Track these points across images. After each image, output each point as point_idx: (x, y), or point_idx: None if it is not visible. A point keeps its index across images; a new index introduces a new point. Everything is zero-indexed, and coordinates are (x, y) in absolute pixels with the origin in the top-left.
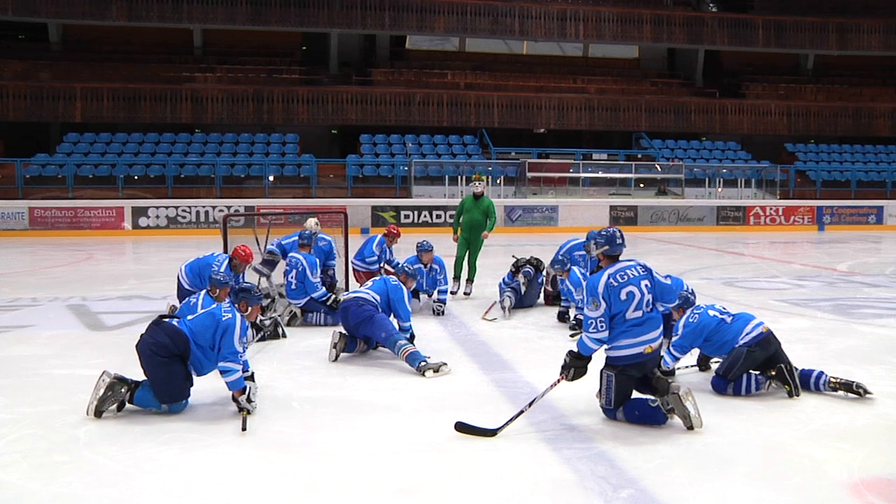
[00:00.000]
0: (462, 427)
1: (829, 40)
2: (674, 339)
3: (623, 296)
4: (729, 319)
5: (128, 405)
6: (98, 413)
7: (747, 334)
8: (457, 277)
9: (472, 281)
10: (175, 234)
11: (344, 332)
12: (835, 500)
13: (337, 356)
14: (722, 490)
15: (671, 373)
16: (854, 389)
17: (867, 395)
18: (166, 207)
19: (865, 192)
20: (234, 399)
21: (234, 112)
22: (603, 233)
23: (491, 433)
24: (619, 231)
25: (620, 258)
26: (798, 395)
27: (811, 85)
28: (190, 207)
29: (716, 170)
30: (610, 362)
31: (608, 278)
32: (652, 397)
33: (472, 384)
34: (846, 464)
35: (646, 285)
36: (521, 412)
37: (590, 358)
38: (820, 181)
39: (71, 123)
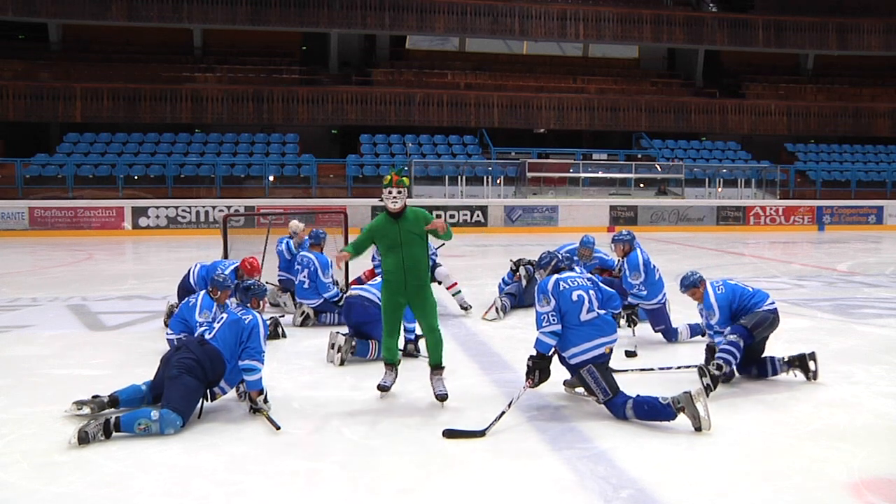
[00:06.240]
0: (451, 433)
1: (829, 40)
2: (712, 319)
3: (574, 297)
4: (751, 289)
5: (115, 433)
6: (82, 439)
7: (769, 304)
8: (391, 364)
9: (442, 368)
10: (175, 234)
11: (346, 333)
12: (835, 500)
13: (343, 361)
14: (722, 490)
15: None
16: (805, 363)
17: (812, 378)
18: (166, 207)
19: (865, 192)
20: (251, 399)
21: (234, 112)
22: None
23: (480, 434)
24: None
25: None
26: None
27: (811, 85)
28: (190, 207)
29: (716, 170)
30: (579, 366)
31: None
32: (663, 395)
33: (472, 384)
34: (846, 464)
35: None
36: (503, 413)
37: (551, 358)
38: (820, 181)
39: (71, 123)
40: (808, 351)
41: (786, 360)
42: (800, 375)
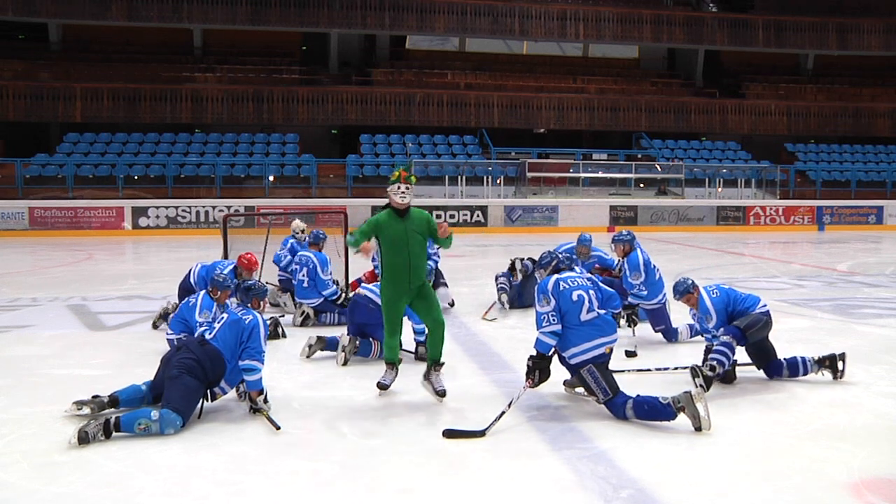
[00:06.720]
0: (451, 433)
1: (828, 40)
2: (709, 323)
3: (574, 297)
4: (743, 294)
5: (115, 433)
6: (82, 439)
7: (762, 307)
8: (392, 363)
9: (442, 364)
10: (175, 234)
11: (323, 336)
12: (835, 500)
13: (346, 360)
14: (722, 490)
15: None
16: (835, 363)
17: (840, 377)
18: (166, 207)
19: (865, 192)
20: (251, 399)
21: (234, 112)
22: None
23: (480, 434)
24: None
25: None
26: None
27: (811, 85)
28: (190, 207)
29: (716, 170)
30: (579, 366)
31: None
32: (662, 395)
33: (472, 384)
34: (846, 464)
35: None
36: (503, 413)
37: (551, 358)
38: (820, 181)
39: (71, 123)
40: (838, 351)
41: (816, 359)
42: (827, 375)
